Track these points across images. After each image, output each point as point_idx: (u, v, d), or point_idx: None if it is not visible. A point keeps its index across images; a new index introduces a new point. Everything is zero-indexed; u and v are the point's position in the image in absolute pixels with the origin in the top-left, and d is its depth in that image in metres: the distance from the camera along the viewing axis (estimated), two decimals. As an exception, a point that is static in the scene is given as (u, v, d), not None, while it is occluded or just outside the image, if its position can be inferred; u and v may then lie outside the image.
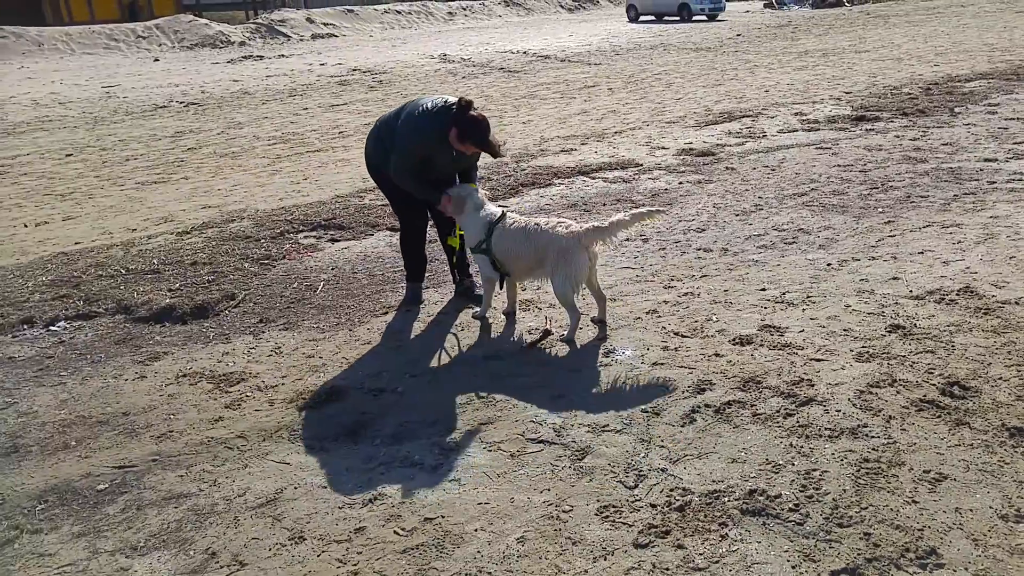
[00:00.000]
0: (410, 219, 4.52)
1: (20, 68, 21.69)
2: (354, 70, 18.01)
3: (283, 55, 23.08)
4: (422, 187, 4.23)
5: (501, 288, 4.22)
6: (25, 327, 4.49)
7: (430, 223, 4.62)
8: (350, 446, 3.13)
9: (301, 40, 28.38)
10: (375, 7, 35.76)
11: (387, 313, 4.46)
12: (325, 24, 30.90)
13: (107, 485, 2.94)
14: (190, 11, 35.79)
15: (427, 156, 4.12)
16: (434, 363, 3.80)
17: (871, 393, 3.17)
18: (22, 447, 3.24)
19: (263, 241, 5.78)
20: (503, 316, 4.29)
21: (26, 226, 6.76)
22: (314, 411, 3.42)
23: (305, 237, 5.91)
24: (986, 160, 6.79)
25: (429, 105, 4.12)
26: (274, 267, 5.29)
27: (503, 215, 4.08)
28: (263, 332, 4.29)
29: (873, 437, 2.88)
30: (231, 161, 9.09)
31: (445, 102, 4.11)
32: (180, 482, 2.93)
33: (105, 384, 3.77)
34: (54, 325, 4.49)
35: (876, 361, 3.44)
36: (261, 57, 22.71)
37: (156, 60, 23.44)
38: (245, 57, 22.76)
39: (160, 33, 27.95)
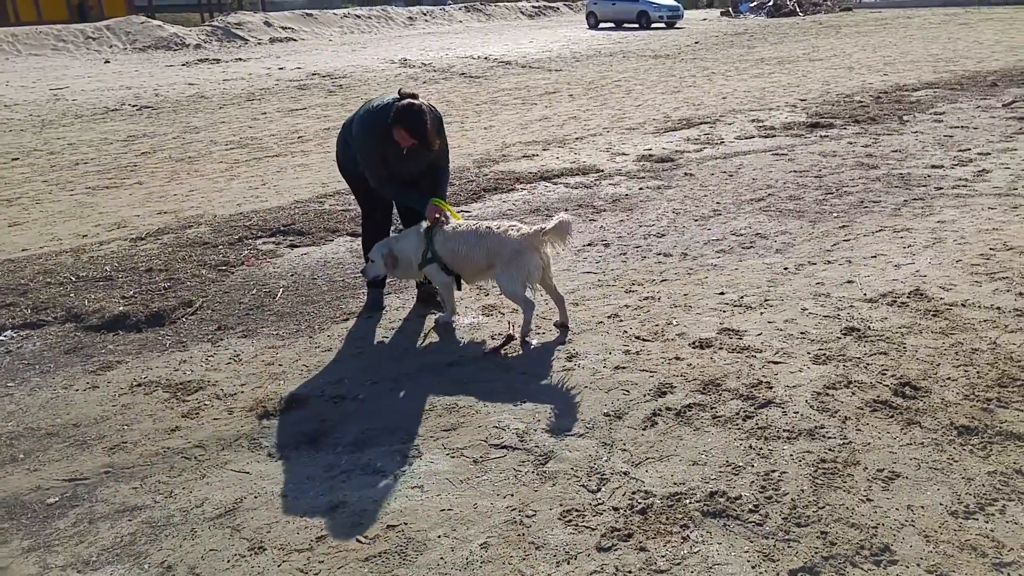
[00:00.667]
0: (370, 211, 4.51)
1: (-37, 69, 21.03)
2: (313, 74, 17.84)
3: (240, 59, 22.76)
4: (405, 195, 4.23)
5: (460, 289, 4.23)
6: (-31, 337, 4.34)
7: (395, 225, 4.59)
8: (311, 454, 3.09)
9: (259, 44, 28.03)
10: (334, 11, 35.50)
11: (348, 319, 4.42)
12: (283, 28, 30.58)
13: (57, 498, 2.85)
14: (142, 12, 35.09)
15: (382, 156, 4.05)
16: (395, 370, 3.77)
17: (827, 395, 3.24)
18: (-33, 461, 3.13)
19: (221, 247, 5.68)
20: (465, 322, 4.28)
21: (-30, 232, 6.54)
22: (274, 419, 3.36)
23: (264, 243, 5.83)
24: (933, 167, 7.00)
25: (375, 103, 4.08)
26: (232, 273, 5.20)
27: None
28: (221, 339, 4.21)
29: (829, 438, 2.94)
30: (187, 166, 8.91)
31: (393, 99, 4.02)
32: (134, 494, 2.86)
33: (55, 395, 3.66)
34: (0, 334, 4.34)
35: (832, 363, 3.51)
36: (218, 60, 22.36)
37: (107, 62, 22.92)
38: (201, 60, 22.40)
39: (111, 34, 27.33)
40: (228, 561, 2.48)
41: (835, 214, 5.81)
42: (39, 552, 2.57)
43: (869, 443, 2.89)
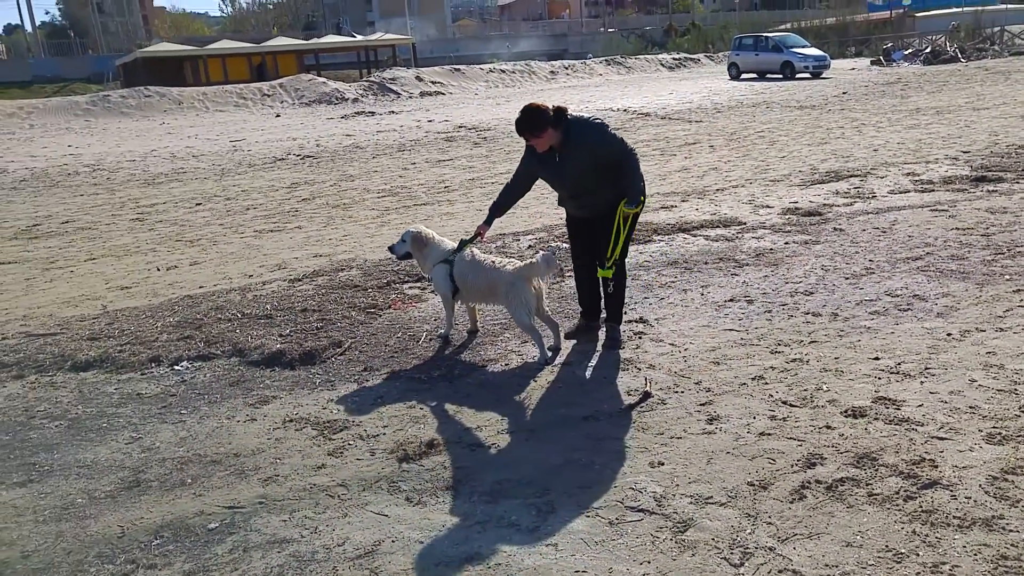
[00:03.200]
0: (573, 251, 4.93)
1: (161, 124, 23.64)
2: (460, 127, 18.64)
3: (393, 111, 24.20)
4: (496, 201, 4.72)
5: (455, 300, 4.77)
6: (152, 365, 4.79)
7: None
8: (447, 501, 3.14)
9: (410, 97, 29.71)
10: (480, 66, 37.09)
11: (486, 366, 4.50)
12: (433, 82, 32.28)
13: (217, 524, 3.06)
14: (311, 71, 38.32)
15: (527, 164, 4.56)
16: (531, 420, 3.79)
17: (1006, 480, 2.93)
18: (143, 482, 3.43)
19: (370, 290, 5.98)
20: (601, 375, 4.26)
21: (159, 269, 7.28)
22: (413, 463, 3.45)
23: (410, 288, 6.08)
24: None
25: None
26: (380, 316, 5.46)
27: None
28: (367, 381, 4.41)
29: (1012, 531, 2.64)
30: (342, 212, 9.52)
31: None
32: (284, 527, 3.01)
33: (220, 424, 3.96)
34: (178, 365, 4.77)
35: (1011, 444, 3.18)
36: (373, 113, 23.89)
37: (278, 116, 25.07)
38: (358, 113, 24.02)
39: (283, 91, 29.94)
40: (367, 601, 2.54)
41: (1007, 276, 5.33)
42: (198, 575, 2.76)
43: (1057, 540, 2.58)
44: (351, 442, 3.69)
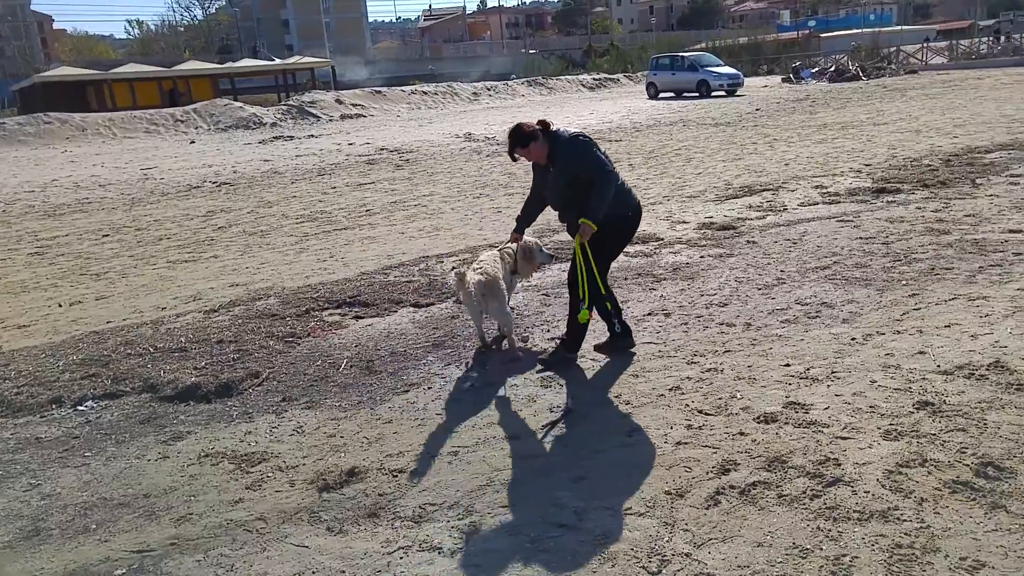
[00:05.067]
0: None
1: (63, 152, 22.65)
2: (381, 149, 18.55)
3: (313, 135, 23.90)
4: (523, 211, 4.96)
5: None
6: (53, 407, 4.56)
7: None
8: (370, 528, 3.10)
9: (330, 120, 29.41)
10: (402, 88, 37.08)
11: (408, 391, 4.47)
12: (354, 105, 32.07)
13: (125, 571, 2.92)
14: (227, 96, 37.48)
15: (535, 178, 4.77)
16: (454, 442, 3.78)
17: (901, 473, 3.09)
18: (43, 530, 3.25)
19: (288, 319, 5.87)
20: (525, 393, 4.29)
21: (60, 306, 6.94)
22: (334, 492, 3.40)
23: (330, 314, 6.00)
24: (1011, 231, 6.74)
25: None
26: (299, 345, 5.36)
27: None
28: (286, 411, 4.31)
29: (905, 521, 2.79)
30: (260, 239, 9.32)
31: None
32: (198, 567, 2.91)
33: (128, 465, 3.80)
34: (82, 405, 4.56)
35: (905, 439, 3.36)
36: (291, 137, 23.53)
37: (192, 142, 24.40)
38: (276, 137, 23.61)
39: (197, 116, 29.18)
40: (285, 638, 2.48)
41: (904, 282, 5.64)
42: (105, 623, 2.63)
43: (949, 528, 2.73)
44: (270, 474, 3.60)
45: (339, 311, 6.05)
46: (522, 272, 5.16)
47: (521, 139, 4.42)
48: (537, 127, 4.45)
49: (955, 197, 8.37)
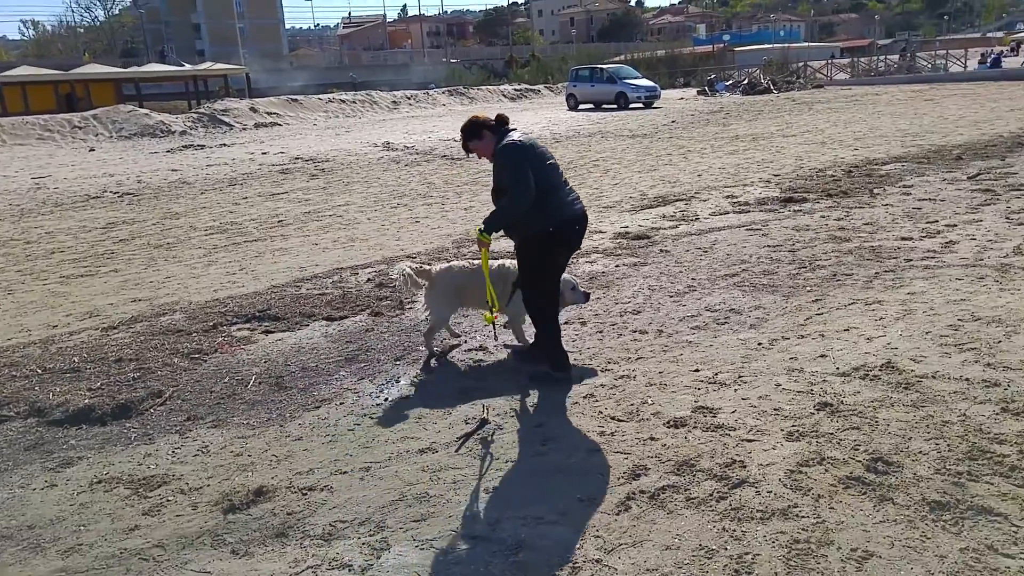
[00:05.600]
0: None
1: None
2: (296, 158, 18.16)
3: (225, 144, 23.17)
4: None
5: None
6: (-70, 434, 4.23)
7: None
8: (278, 549, 3.00)
9: (244, 129, 28.58)
10: (319, 96, 36.43)
11: (319, 407, 4.35)
12: (269, 113, 31.27)
13: (6, 607, 2.73)
14: (131, 102, 35.87)
15: None
16: (366, 457, 3.70)
17: (801, 472, 3.20)
18: (-86, 568, 3.01)
19: (195, 335, 5.64)
20: (439, 405, 4.25)
21: (-61, 326, 6.46)
22: (240, 513, 3.27)
23: (239, 329, 5.79)
24: (903, 239, 7.13)
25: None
26: (205, 361, 5.15)
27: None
28: (190, 431, 4.14)
29: (803, 517, 2.89)
30: (165, 252, 8.93)
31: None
32: (88, 599, 2.74)
33: (11, 495, 3.55)
34: (-37, 431, 4.24)
35: (805, 440, 3.48)
36: (202, 146, 22.74)
37: (92, 150, 23.22)
38: (186, 146, 22.76)
39: (98, 123, 27.76)
40: (181, 671, 2.36)
41: (808, 288, 5.88)
42: (-18, 666, 2.44)
43: (843, 521, 2.84)
44: (170, 498, 3.43)
45: (248, 326, 5.85)
46: None
47: (469, 133, 4.41)
48: (491, 122, 4.39)
49: (855, 206, 8.80)
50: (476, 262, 4.85)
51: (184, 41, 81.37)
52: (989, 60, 39.27)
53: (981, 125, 16.16)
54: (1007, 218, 7.60)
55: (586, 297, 4.90)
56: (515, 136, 4.34)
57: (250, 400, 4.50)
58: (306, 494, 3.40)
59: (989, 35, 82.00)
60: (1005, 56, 45.80)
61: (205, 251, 8.84)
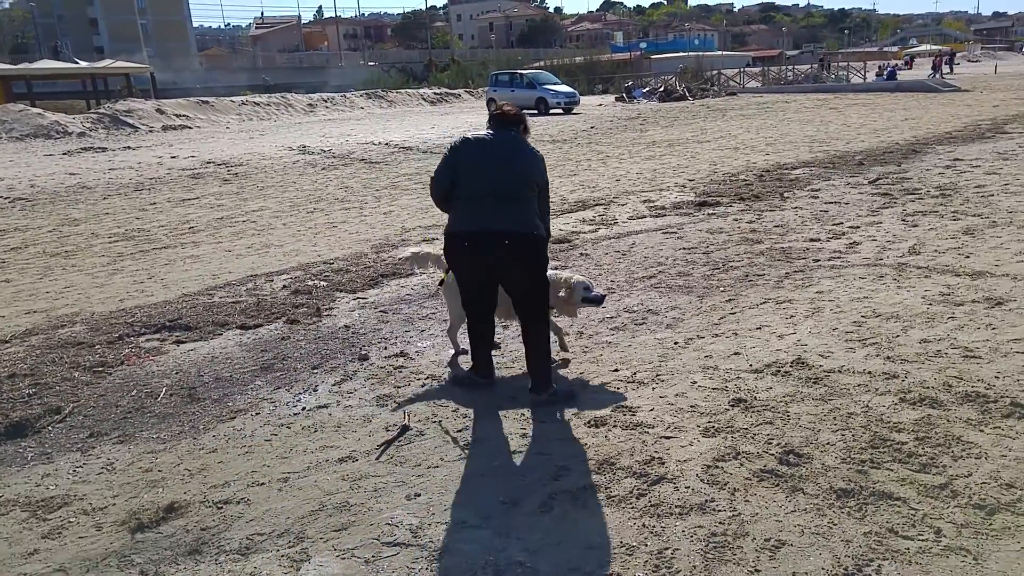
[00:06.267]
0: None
1: None
2: (208, 162, 17.55)
3: (129, 147, 22.13)
4: None
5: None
6: None
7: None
8: (190, 567, 2.88)
9: (151, 132, 27.40)
10: (232, 99, 35.33)
11: (235, 418, 4.21)
12: (177, 115, 30.06)
13: None
14: (22, 100, 33.78)
15: None
16: (284, 468, 3.60)
17: (717, 467, 3.30)
18: None
19: (98, 347, 5.36)
20: (359, 413, 4.17)
21: None
22: (149, 531, 3.13)
23: (147, 340, 5.54)
24: (811, 240, 7.45)
25: (520, 140, 4.27)
26: (110, 375, 4.90)
27: None
28: (93, 448, 3.92)
29: (719, 511, 2.98)
30: (63, 261, 8.44)
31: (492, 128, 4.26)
32: (-20, 631, 2.56)
33: None
34: None
35: (721, 435, 3.59)
36: (104, 149, 21.64)
37: (-20, 153, 21.78)
38: (85, 149, 21.57)
39: (-14, 123, 26.06)
40: None
41: (722, 288, 6.07)
42: None
43: (757, 513, 2.94)
44: (72, 519, 3.25)
45: (158, 336, 5.61)
46: (557, 307, 4.56)
47: None
48: (494, 114, 4.29)
49: (766, 209, 9.15)
50: None
51: (80, 37, 77.24)
52: (886, 73, 41.63)
53: (880, 133, 17.08)
54: (903, 220, 8.06)
55: (601, 300, 4.57)
56: (470, 133, 4.21)
57: (160, 413, 4.31)
58: (221, 508, 3.28)
59: (885, 49, 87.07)
60: (899, 69, 48.66)
61: (109, 259, 8.41)
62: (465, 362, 4.73)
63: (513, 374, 4.59)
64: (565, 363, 4.72)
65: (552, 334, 4.44)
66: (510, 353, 4.94)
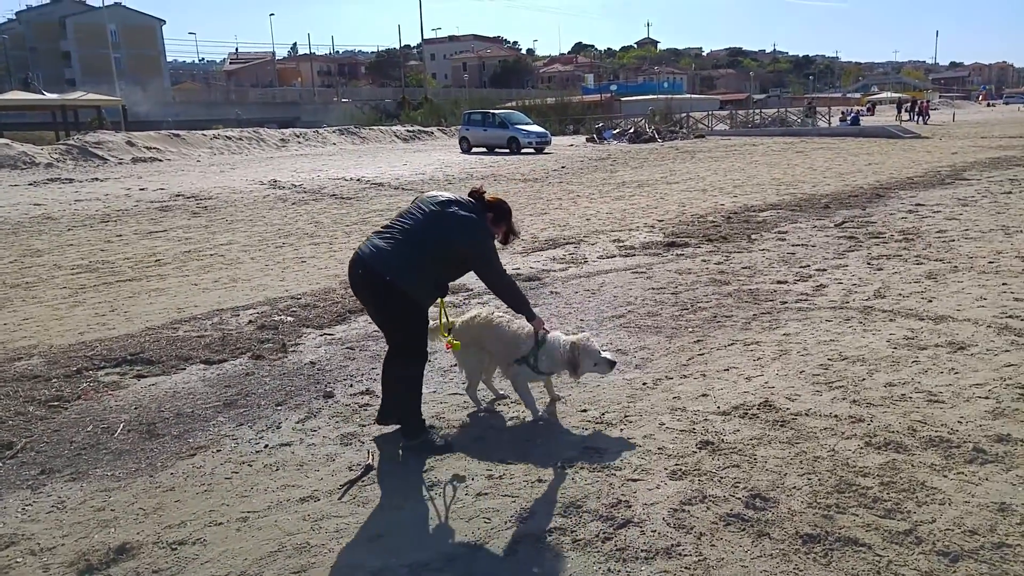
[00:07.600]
0: (424, 348, 4.15)
1: None
2: (177, 195, 17.39)
3: (97, 179, 21.88)
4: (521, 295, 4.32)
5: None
6: None
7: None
8: (139, 614, 2.76)
9: (120, 163, 27.14)
10: (203, 132, 35.19)
11: (195, 455, 4.10)
12: (148, 148, 29.86)
13: None
14: (-10, 130, 33.28)
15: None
16: (244, 507, 3.50)
17: (684, 511, 3.27)
18: None
19: (54, 381, 5.21)
20: (325, 451, 4.09)
21: None
22: (99, 574, 3.01)
23: (107, 374, 5.40)
24: (778, 282, 7.55)
25: (457, 206, 4.03)
26: (66, 409, 4.76)
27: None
28: (44, 485, 3.79)
29: (685, 555, 2.94)
30: (23, 292, 8.24)
31: (459, 197, 4.13)
32: None
33: None
34: None
35: (688, 478, 3.57)
36: (71, 180, 21.37)
37: (-56, 182, 21.37)
38: (51, 180, 21.29)
39: (-47, 153, 25.62)
40: None
41: (690, 329, 6.10)
42: None
43: (723, 558, 2.91)
44: (19, 559, 3.12)
45: (118, 370, 5.47)
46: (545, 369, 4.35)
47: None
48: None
49: (734, 251, 9.27)
50: (498, 311, 4.63)
51: (52, 69, 76.83)
52: (849, 118, 42.94)
53: (845, 177, 17.52)
54: (868, 263, 8.22)
55: (611, 366, 4.34)
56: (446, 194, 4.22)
57: (116, 450, 4.18)
58: (176, 549, 3.17)
59: (848, 95, 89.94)
60: (862, 115, 50.21)
61: (71, 291, 8.23)
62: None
63: (477, 413, 4.54)
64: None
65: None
66: (479, 392, 4.89)
